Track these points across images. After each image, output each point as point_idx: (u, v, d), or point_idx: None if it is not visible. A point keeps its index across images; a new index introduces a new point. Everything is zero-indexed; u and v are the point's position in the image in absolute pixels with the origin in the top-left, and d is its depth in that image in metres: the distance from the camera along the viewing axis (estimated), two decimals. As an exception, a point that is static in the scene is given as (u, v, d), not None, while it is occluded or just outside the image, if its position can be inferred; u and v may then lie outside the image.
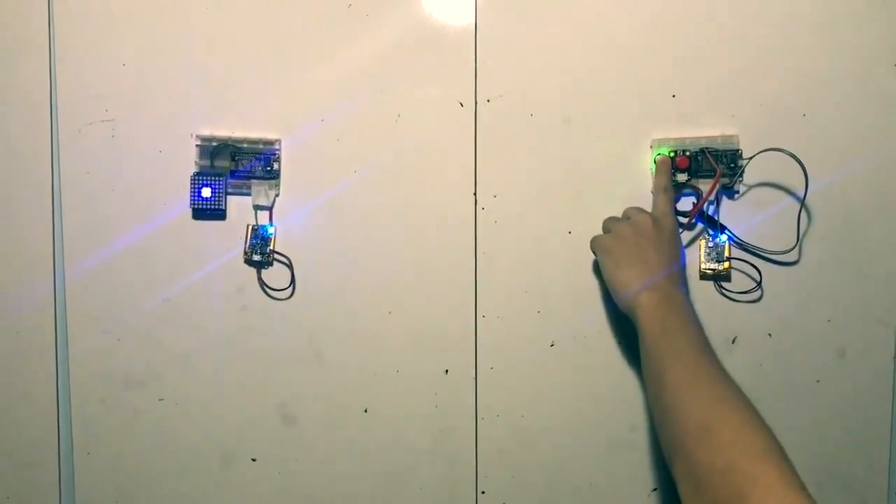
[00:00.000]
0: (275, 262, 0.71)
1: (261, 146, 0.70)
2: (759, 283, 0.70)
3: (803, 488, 0.44)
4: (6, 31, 0.70)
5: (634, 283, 0.60)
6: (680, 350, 0.55)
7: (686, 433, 0.50)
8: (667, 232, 0.63)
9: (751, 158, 0.68)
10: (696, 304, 0.70)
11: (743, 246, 0.70)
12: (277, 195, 0.70)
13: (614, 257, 0.63)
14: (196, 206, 0.69)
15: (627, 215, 0.66)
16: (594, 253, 0.67)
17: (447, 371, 0.71)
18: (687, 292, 0.63)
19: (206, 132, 0.70)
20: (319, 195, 0.70)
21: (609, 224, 0.67)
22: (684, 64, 0.70)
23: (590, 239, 0.68)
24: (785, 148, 0.67)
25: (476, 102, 0.70)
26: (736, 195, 0.70)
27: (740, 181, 0.69)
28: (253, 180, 0.70)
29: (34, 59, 0.70)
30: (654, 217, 0.64)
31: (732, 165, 0.69)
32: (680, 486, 0.49)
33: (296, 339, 0.71)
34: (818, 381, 0.71)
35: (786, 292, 0.70)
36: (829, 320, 0.70)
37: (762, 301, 0.70)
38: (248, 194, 0.70)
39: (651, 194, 0.69)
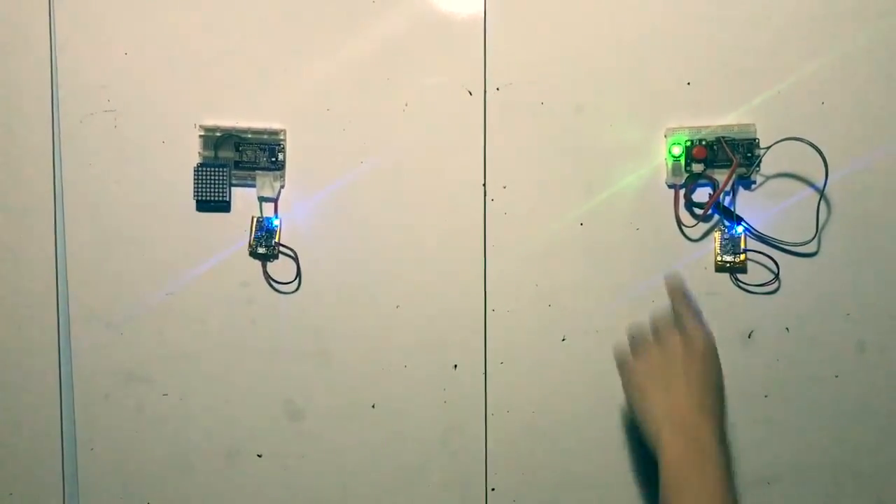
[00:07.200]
0: (280, 255, 0.70)
1: (265, 136, 0.69)
2: (777, 276, 0.68)
3: None
4: (7, 20, 0.69)
5: (660, 417, 0.56)
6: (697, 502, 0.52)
7: None
8: (699, 356, 0.59)
9: (768, 148, 0.67)
10: (712, 298, 0.69)
11: (760, 237, 0.68)
12: (283, 186, 0.69)
13: (641, 385, 0.59)
14: (200, 198, 0.68)
15: (657, 328, 0.62)
16: (619, 373, 0.63)
17: (456, 366, 0.70)
18: (718, 423, 0.57)
19: (210, 122, 0.69)
20: (325, 186, 0.69)
21: (637, 341, 0.63)
22: (699, 50, 0.68)
23: (602, 230, 0.66)
24: (803, 137, 0.65)
25: (485, 91, 0.69)
26: (753, 186, 0.69)
27: (757, 171, 0.68)
28: (258, 171, 0.69)
29: (35, 48, 0.69)
30: (686, 338, 0.59)
31: (749, 155, 0.67)
32: None
33: (302, 334, 0.70)
34: (837, 377, 0.69)
35: (804, 285, 0.69)
36: (848, 314, 0.69)
37: (779, 294, 0.69)
38: (253, 186, 0.69)
39: (666, 186, 0.68)
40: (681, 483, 0.53)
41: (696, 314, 0.62)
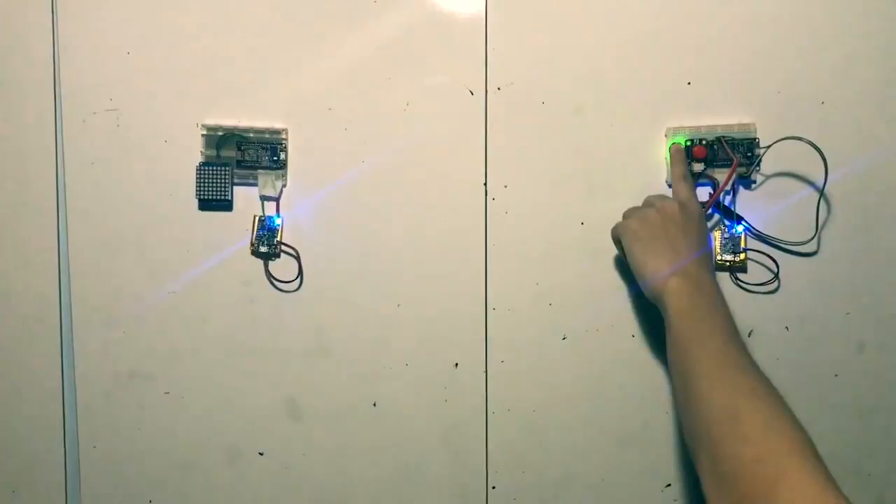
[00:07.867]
0: (282, 254, 0.70)
1: (267, 135, 0.69)
2: (777, 275, 0.68)
3: (835, 485, 0.43)
4: (9, 20, 0.69)
5: (664, 269, 0.59)
6: (709, 338, 0.54)
7: (713, 424, 0.49)
8: (694, 217, 0.62)
9: (768, 147, 0.67)
10: (712, 297, 0.68)
11: (760, 237, 0.68)
12: (284, 185, 0.69)
13: (643, 242, 0.61)
14: (202, 197, 0.69)
15: (650, 202, 0.64)
16: (617, 240, 0.65)
17: (457, 365, 0.70)
18: (715, 277, 0.61)
19: (212, 121, 0.69)
20: (327, 185, 0.69)
21: (632, 212, 0.65)
22: (700, 50, 0.68)
23: (602, 229, 0.66)
24: (803, 136, 0.65)
25: (486, 90, 0.69)
26: (753, 185, 0.69)
27: (757, 171, 0.68)
28: (259, 170, 0.69)
29: (37, 48, 0.69)
30: (680, 202, 0.63)
31: (749, 154, 0.67)
32: (704, 479, 0.48)
33: (303, 332, 0.70)
34: (836, 375, 0.69)
35: (803, 284, 0.69)
36: (847, 313, 0.69)
37: (779, 293, 0.69)
38: (255, 184, 0.69)
39: (667, 185, 0.69)
40: (691, 325, 0.55)
41: (691, 188, 0.65)
